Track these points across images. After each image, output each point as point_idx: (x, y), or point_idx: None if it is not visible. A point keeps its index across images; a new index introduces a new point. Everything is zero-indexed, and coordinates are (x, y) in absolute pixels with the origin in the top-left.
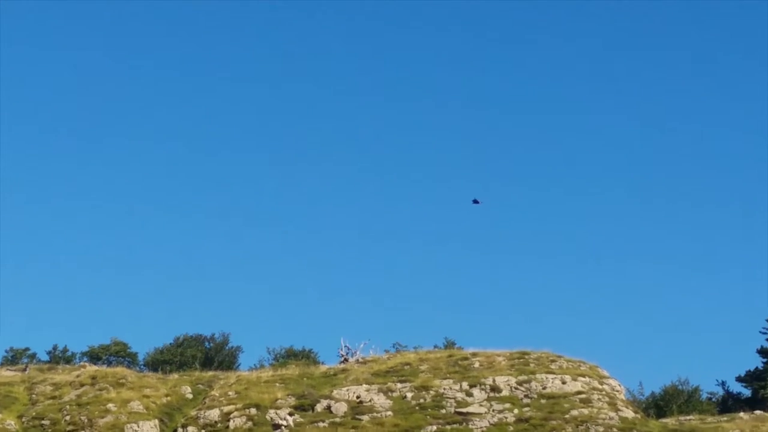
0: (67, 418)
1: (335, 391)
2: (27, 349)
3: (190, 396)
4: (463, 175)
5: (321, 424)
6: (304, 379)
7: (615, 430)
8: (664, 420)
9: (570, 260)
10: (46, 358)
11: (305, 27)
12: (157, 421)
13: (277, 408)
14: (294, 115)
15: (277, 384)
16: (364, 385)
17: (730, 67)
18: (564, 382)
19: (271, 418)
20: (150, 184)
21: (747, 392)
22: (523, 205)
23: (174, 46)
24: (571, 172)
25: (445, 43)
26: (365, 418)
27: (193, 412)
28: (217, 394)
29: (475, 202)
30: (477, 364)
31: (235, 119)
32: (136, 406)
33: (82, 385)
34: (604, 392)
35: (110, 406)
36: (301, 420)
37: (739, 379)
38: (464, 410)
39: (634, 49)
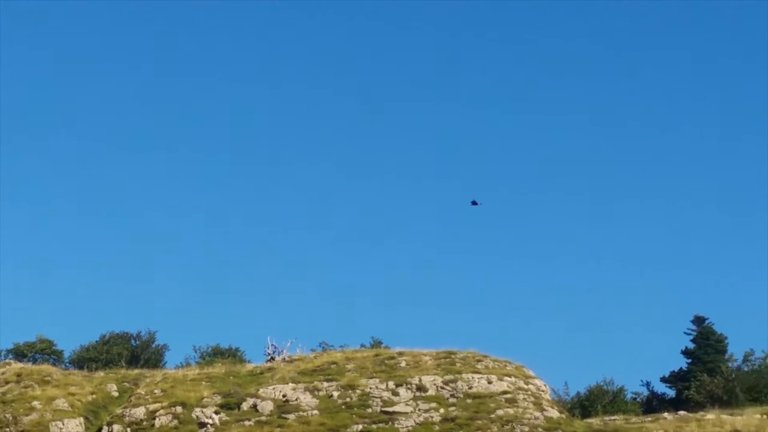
0: None
1: (261, 390)
2: None
3: (116, 394)
4: (396, 171)
5: (247, 423)
6: (231, 377)
7: (540, 429)
8: (589, 420)
9: (496, 260)
10: None
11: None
12: (82, 419)
13: (203, 406)
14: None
15: (204, 382)
16: (291, 384)
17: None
18: (490, 382)
19: (197, 417)
20: (76, 182)
21: (671, 393)
22: (449, 203)
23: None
24: (508, 170)
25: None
26: (291, 416)
27: (118, 410)
28: (143, 392)
29: (474, 203)
30: (403, 364)
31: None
32: (62, 403)
33: (7, 383)
34: (529, 392)
35: (35, 403)
36: (227, 418)
37: (663, 379)
38: (390, 409)
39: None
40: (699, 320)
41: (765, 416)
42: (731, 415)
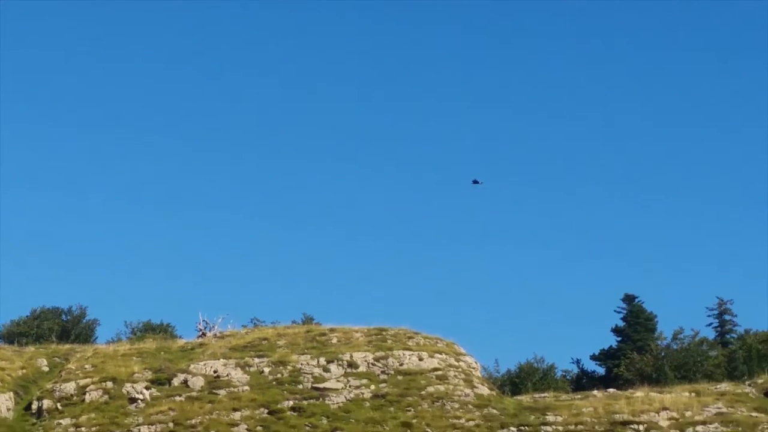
0: None
1: (192, 366)
2: None
3: (47, 369)
4: (324, 150)
5: (178, 398)
6: (162, 353)
7: (470, 406)
8: (519, 397)
9: (428, 239)
10: None
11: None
12: (12, 394)
13: (134, 382)
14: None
15: (134, 358)
16: (222, 360)
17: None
18: (421, 359)
19: (128, 392)
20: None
21: (601, 370)
22: (388, 186)
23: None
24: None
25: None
26: (222, 392)
27: (48, 385)
28: (74, 368)
29: (475, 182)
30: (335, 340)
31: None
32: None
33: None
34: (460, 369)
35: None
36: (158, 394)
37: (593, 357)
38: (321, 386)
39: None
40: (629, 299)
41: (693, 394)
42: (660, 392)
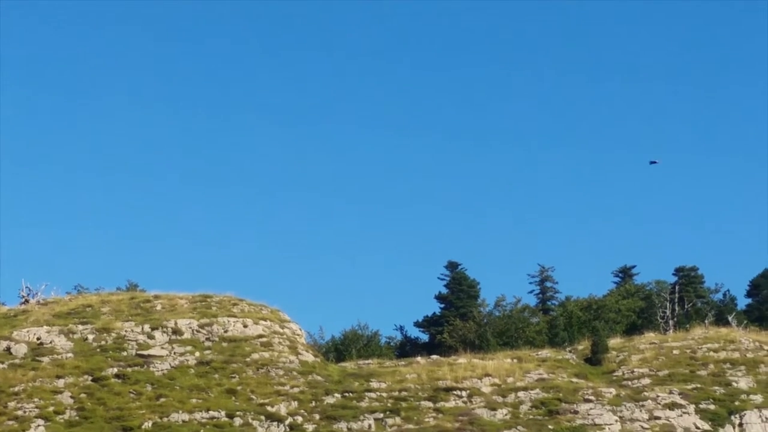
0: None
1: (15, 333)
2: None
3: None
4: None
5: (0, 366)
6: None
7: (295, 373)
8: (343, 364)
9: (258, 199)
10: None
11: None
12: None
13: None
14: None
15: None
16: (45, 327)
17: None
18: (245, 326)
19: None
20: None
21: (424, 337)
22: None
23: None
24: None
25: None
26: (46, 359)
27: None
28: None
29: (653, 162)
30: (159, 307)
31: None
32: None
33: None
34: (284, 336)
35: None
36: None
37: (417, 324)
38: (146, 353)
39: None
40: (452, 266)
41: (515, 360)
42: (482, 359)
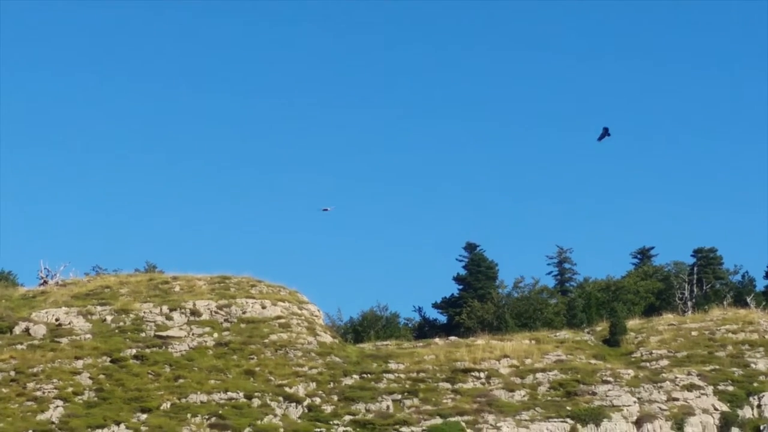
0: None
1: (34, 314)
2: None
3: None
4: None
5: (19, 347)
6: (2, 301)
7: (313, 354)
8: (361, 345)
9: (274, 182)
10: None
11: None
12: None
13: None
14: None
15: None
16: (64, 308)
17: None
18: (264, 307)
19: None
20: None
21: (443, 319)
22: (216, 113)
23: None
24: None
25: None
26: (64, 340)
27: None
28: None
29: (606, 133)
30: (177, 288)
31: None
32: None
33: None
34: (303, 317)
35: None
36: None
37: (435, 305)
38: (164, 334)
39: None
40: (470, 247)
41: (533, 341)
42: (501, 340)
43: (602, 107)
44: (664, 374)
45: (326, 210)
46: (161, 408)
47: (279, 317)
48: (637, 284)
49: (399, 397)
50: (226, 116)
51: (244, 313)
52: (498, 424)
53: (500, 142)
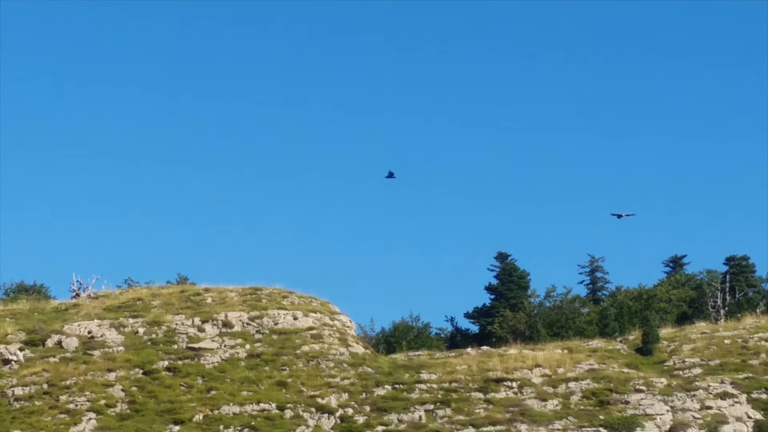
0: None
1: (66, 326)
2: None
3: None
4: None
5: (52, 360)
6: (35, 314)
7: (345, 365)
8: (393, 355)
9: (303, 196)
10: None
11: None
12: None
13: (7, 343)
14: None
15: (8, 319)
16: (96, 320)
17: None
18: (295, 318)
19: (1, 353)
20: None
21: (475, 328)
22: (243, 125)
23: None
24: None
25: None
26: (97, 353)
27: None
28: None
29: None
30: (209, 300)
31: None
32: None
33: None
34: (335, 328)
35: None
36: (32, 355)
37: (467, 315)
38: (196, 345)
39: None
40: (502, 257)
41: (565, 351)
42: (533, 350)
43: (634, 111)
44: (697, 382)
45: (391, 176)
46: (194, 420)
47: (311, 328)
48: (669, 293)
49: (431, 407)
50: (255, 125)
51: (275, 324)
52: None
53: (530, 150)
